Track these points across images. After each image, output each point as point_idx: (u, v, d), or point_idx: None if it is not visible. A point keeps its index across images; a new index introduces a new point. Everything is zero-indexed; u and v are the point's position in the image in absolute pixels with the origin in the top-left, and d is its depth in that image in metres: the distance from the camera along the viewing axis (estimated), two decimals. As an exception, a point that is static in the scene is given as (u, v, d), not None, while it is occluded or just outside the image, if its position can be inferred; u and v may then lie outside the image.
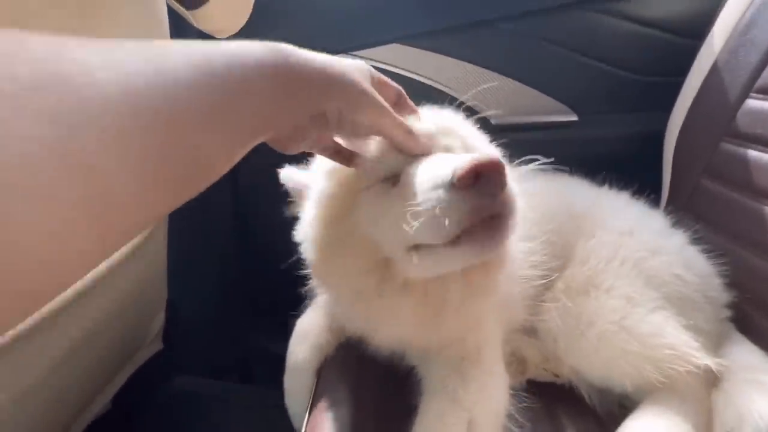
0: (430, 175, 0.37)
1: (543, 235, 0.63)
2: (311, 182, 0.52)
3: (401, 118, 0.40)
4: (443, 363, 0.54)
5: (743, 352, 0.59)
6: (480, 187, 0.34)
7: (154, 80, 0.21)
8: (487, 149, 0.50)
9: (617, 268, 0.61)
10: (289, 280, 0.68)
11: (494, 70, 0.95)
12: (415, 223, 0.35)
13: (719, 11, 0.76)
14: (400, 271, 0.43)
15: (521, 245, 0.62)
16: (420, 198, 0.36)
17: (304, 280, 0.68)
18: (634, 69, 0.94)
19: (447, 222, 0.34)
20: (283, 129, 0.34)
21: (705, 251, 0.65)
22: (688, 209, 0.73)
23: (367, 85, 0.36)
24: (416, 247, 0.40)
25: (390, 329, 0.50)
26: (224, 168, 0.27)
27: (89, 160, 0.18)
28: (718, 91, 0.71)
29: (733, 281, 0.63)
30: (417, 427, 0.48)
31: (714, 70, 0.73)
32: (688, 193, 0.74)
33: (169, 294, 1.08)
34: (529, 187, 0.68)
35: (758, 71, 0.65)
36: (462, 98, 0.99)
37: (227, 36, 0.69)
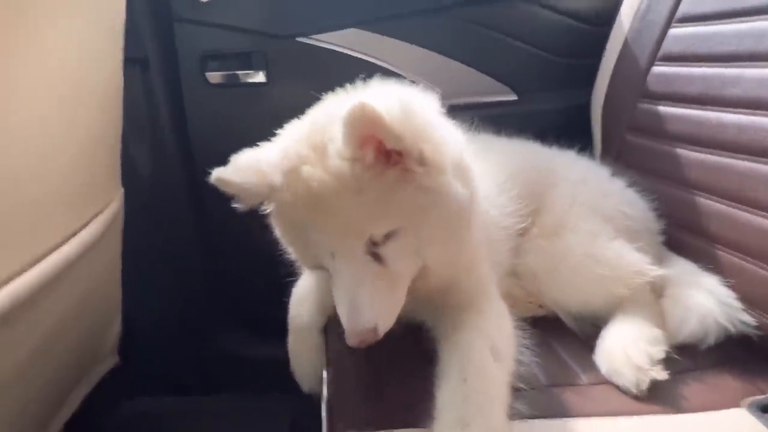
0: None
1: (515, 187, 0.72)
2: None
3: None
4: (450, 308, 0.59)
5: (678, 264, 0.73)
6: None
7: None
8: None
9: (577, 210, 0.73)
10: (254, 281, 0.65)
11: (445, 54, 1.04)
12: None
13: (620, 3, 0.94)
14: None
15: (499, 199, 0.70)
16: None
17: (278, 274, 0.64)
18: (558, 53, 1.09)
19: None
20: None
21: (638, 191, 0.80)
22: (619, 161, 0.88)
23: None
24: None
25: None
26: None
27: None
28: (630, 63, 0.87)
29: (662, 212, 0.78)
30: (448, 355, 0.52)
31: (625, 47, 0.89)
32: (617, 148, 0.89)
33: (125, 307, 0.99)
34: (497, 150, 0.78)
35: (659, 45, 0.82)
36: (416, 80, 1.06)
37: None
